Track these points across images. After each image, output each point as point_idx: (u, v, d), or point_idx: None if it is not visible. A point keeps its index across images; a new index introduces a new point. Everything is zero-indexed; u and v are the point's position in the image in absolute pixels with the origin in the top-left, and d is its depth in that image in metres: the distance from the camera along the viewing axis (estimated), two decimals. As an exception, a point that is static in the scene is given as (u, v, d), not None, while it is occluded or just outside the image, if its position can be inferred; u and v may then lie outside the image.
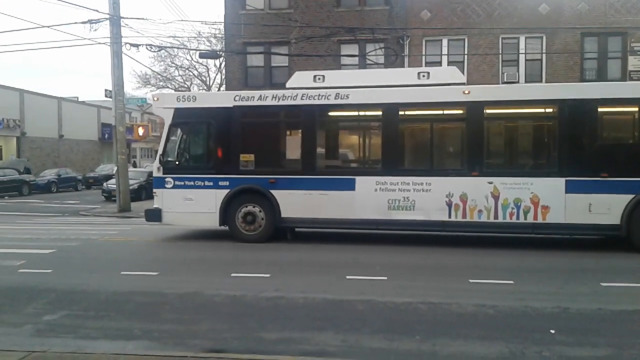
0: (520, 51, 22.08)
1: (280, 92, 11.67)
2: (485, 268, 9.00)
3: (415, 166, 11.50)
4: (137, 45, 18.90)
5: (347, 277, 8.20)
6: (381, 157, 11.35)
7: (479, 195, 10.70)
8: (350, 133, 12.26)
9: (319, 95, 11.34)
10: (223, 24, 25.08)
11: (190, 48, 37.21)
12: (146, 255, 10.55)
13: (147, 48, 19.61)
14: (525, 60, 22.12)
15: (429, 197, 10.86)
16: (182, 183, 11.78)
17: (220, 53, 26.16)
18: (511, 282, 7.89)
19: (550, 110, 10.84)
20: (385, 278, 8.11)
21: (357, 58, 22.49)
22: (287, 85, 12.07)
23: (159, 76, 43.95)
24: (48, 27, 27.25)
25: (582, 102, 10.45)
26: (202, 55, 24.32)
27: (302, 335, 5.65)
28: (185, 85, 45.25)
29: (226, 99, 11.96)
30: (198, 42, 38.76)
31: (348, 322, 6.05)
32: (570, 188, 10.35)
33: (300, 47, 22.95)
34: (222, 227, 11.86)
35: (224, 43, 27.22)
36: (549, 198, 10.44)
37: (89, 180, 34.71)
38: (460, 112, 11.08)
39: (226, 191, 11.58)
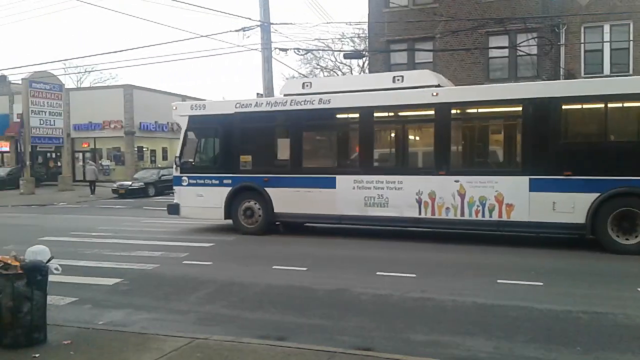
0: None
1: (273, 99, 13.26)
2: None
3: (385, 164, 12.30)
4: (285, 50, 19.71)
5: (498, 280, 7.83)
6: (358, 155, 12.24)
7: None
8: (330, 135, 13.25)
9: (305, 100, 12.31)
10: (367, 23, 25.25)
11: (335, 49, 37.99)
12: (294, 251, 10.94)
13: (294, 52, 20.38)
14: None
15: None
16: (195, 181, 13.25)
17: (365, 53, 26.39)
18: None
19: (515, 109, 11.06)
20: (542, 284, 7.63)
21: (506, 50, 21.42)
22: (280, 92, 13.26)
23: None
24: (206, 36, 29.43)
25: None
26: (346, 56, 24.67)
27: (451, 339, 5.51)
28: (330, 86, 46.25)
29: (229, 106, 13.19)
30: (342, 43, 39.47)
31: (500, 328, 5.78)
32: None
33: (445, 42, 22.40)
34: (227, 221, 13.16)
35: (367, 42, 27.43)
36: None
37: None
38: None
39: (229, 188, 12.80)
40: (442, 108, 11.17)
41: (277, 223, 12.93)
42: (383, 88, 11.88)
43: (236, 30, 19.67)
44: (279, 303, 6.94)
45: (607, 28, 20.70)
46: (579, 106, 10.59)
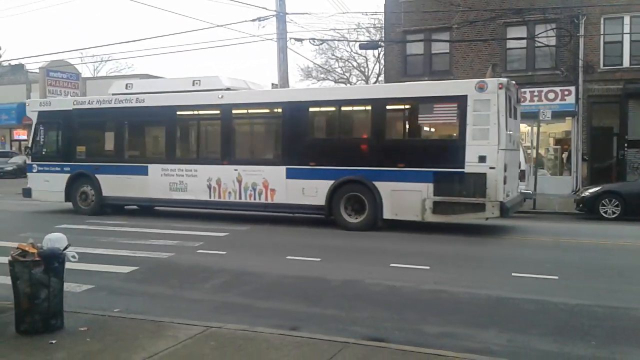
0: None
1: (102, 98, 14.97)
2: None
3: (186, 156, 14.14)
4: (300, 40, 19.57)
5: (513, 274, 7.79)
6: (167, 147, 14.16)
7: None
8: (144, 129, 15.24)
9: (125, 99, 14.34)
10: (383, 13, 25.07)
11: (351, 40, 37.75)
12: (307, 242, 10.96)
13: (310, 42, 20.26)
14: None
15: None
16: (43, 169, 15.48)
17: (381, 43, 26.20)
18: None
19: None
20: (557, 277, 7.58)
21: (524, 41, 21.15)
22: (109, 91, 15.07)
23: (320, 68, 45.28)
24: (221, 26, 29.20)
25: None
26: (362, 47, 24.40)
27: (464, 331, 5.50)
28: (345, 77, 46.08)
29: (68, 103, 15.43)
30: (358, 33, 39.22)
31: (514, 321, 5.76)
32: None
33: (463, 32, 22.16)
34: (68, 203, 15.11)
35: (383, 33, 27.24)
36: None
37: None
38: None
39: (68, 175, 14.95)
40: (226, 108, 13.27)
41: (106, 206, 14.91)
42: (185, 90, 13.84)
43: (252, 20, 19.62)
44: (292, 293, 6.97)
45: (627, 19, 20.33)
46: (320, 109, 12.92)
